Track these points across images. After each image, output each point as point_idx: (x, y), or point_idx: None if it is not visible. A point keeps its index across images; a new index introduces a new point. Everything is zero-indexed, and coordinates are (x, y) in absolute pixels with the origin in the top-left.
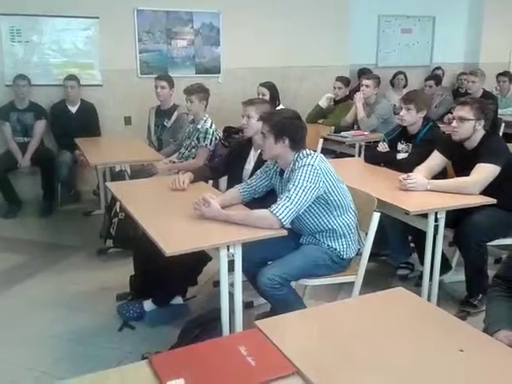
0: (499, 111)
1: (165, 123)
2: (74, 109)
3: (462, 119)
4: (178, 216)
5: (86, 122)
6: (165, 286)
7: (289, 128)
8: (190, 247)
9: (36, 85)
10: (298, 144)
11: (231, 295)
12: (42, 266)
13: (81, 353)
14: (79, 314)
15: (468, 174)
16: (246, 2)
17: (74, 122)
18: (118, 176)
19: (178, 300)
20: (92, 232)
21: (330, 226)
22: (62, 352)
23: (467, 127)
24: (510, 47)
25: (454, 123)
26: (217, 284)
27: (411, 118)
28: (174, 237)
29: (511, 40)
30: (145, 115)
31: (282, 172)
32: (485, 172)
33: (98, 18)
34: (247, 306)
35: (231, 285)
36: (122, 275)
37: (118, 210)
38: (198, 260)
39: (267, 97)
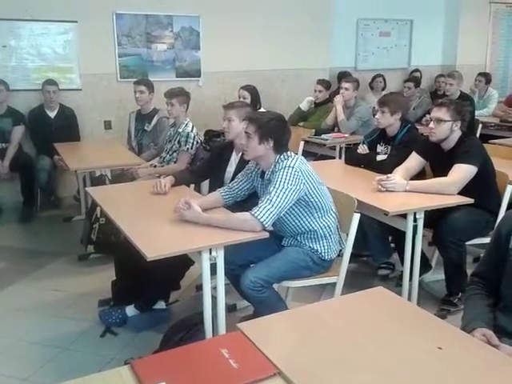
0: (476, 112)
1: (145, 127)
2: (52, 114)
3: (439, 120)
4: (159, 220)
5: (65, 127)
6: (147, 291)
7: (275, 130)
8: (171, 251)
9: (14, 90)
10: (281, 147)
11: (214, 299)
12: (22, 273)
13: (63, 359)
14: (61, 320)
15: (446, 175)
16: (226, 6)
17: (53, 127)
18: (98, 181)
19: (161, 305)
20: (73, 238)
21: (311, 228)
22: (43, 359)
23: (444, 128)
24: (485, 49)
25: (432, 124)
26: (199, 288)
27: (385, 121)
28: (155, 241)
29: (487, 42)
30: (125, 119)
31: (263, 174)
32: (462, 172)
33: (76, 21)
34: (230, 309)
35: (214, 288)
36: (104, 281)
37: (98, 215)
38: (181, 264)
39: (248, 100)
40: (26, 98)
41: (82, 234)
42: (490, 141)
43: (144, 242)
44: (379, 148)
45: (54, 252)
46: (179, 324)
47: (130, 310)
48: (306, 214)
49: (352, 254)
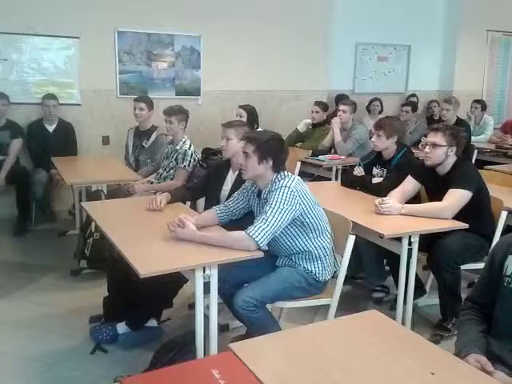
0: (472, 138)
1: (143, 144)
2: (51, 128)
3: (434, 145)
4: (153, 237)
5: (64, 141)
6: (139, 308)
7: (274, 149)
8: (165, 269)
9: (14, 103)
10: (279, 166)
11: (206, 318)
12: (14, 287)
13: (52, 376)
14: (51, 335)
15: (441, 199)
16: (227, 27)
17: (51, 141)
18: (94, 196)
19: (153, 323)
20: (66, 252)
21: (306, 248)
22: (33, 375)
23: (439, 153)
24: (482, 76)
25: (427, 149)
26: (192, 306)
27: (381, 144)
28: (149, 258)
29: (484, 69)
30: (123, 135)
31: (260, 193)
32: (457, 197)
33: (78, 37)
34: (223, 328)
35: (207, 307)
36: (96, 297)
37: (93, 230)
38: (174, 282)
39: (244, 118)
40: (26, 112)
41: (75, 249)
42: (485, 166)
43: (137, 258)
44: (375, 171)
45: (47, 266)
46: (170, 343)
47: (121, 328)
48: (301, 235)
49: (346, 276)
